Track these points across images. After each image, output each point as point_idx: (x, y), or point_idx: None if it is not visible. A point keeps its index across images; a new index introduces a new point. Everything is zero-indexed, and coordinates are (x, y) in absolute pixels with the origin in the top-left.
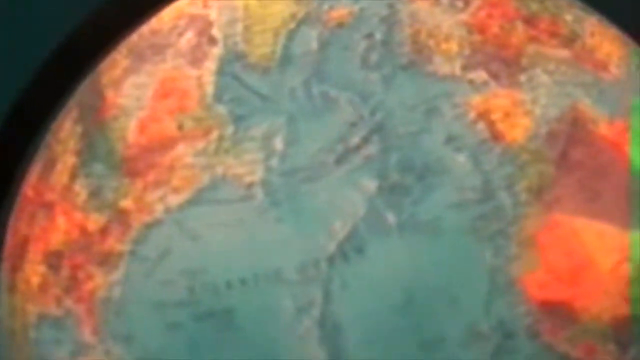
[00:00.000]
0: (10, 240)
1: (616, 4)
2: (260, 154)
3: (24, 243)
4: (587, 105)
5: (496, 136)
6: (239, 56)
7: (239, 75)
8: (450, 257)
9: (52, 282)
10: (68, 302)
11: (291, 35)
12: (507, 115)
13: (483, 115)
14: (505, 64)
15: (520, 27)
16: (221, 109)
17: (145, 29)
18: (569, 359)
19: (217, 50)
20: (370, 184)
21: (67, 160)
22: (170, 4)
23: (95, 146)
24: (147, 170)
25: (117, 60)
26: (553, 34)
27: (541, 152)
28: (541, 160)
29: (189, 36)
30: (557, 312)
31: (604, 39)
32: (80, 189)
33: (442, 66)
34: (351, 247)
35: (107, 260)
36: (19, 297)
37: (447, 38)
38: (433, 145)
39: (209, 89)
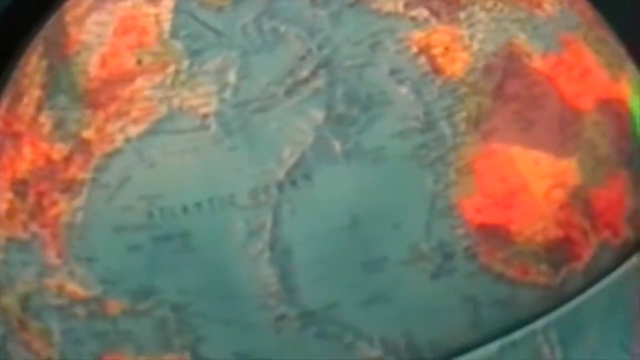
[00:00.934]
0: None
1: None
2: (214, 86)
3: None
4: (522, 40)
5: (437, 69)
6: None
7: (195, 12)
8: (393, 183)
9: (19, 208)
10: (34, 227)
11: None
12: (447, 49)
13: (424, 49)
14: (445, 2)
15: None
16: (177, 45)
17: None
18: (504, 278)
19: None
20: (318, 115)
21: (33, 93)
22: None
23: (59, 80)
24: (108, 102)
25: None
26: None
27: (479, 84)
28: (479, 92)
29: None
30: (493, 234)
31: None
32: (46, 120)
33: (385, 4)
34: (299, 174)
35: (70, 187)
36: None
37: None
38: (377, 78)
39: (166, 26)
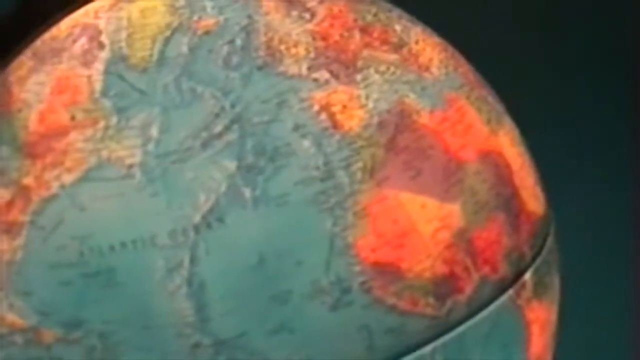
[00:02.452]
0: None
1: None
2: (138, 140)
3: None
4: (411, 99)
5: (336, 125)
6: (123, 58)
7: (122, 74)
8: (296, 225)
9: None
10: None
11: (166, 41)
12: (345, 107)
13: (325, 107)
14: (344, 66)
15: (357, 35)
16: (107, 103)
17: (46, 35)
18: (396, 309)
19: (104, 54)
20: (230, 165)
21: None
22: (67, 15)
23: (2, 133)
24: (45, 153)
25: (23, 61)
26: (384, 41)
27: (373, 138)
28: (373, 145)
29: (82, 42)
30: (386, 271)
31: (426, 45)
32: None
33: (291, 67)
34: (214, 218)
35: (11, 229)
36: None
37: (296, 44)
38: (283, 132)
39: (97, 86)
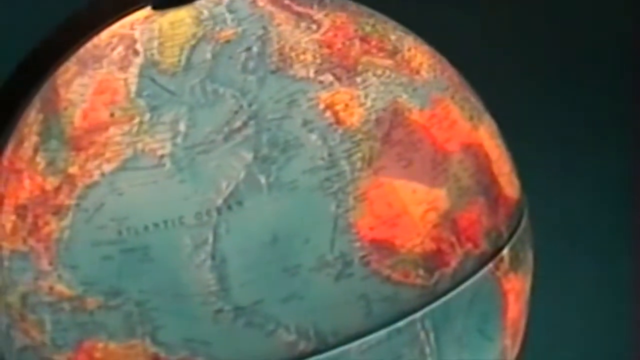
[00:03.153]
0: None
1: None
2: (168, 134)
3: (1, 199)
4: (404, 99)
5: (339, 121)
6: (155, 64)
7: (154, 77)
8: (305, 208)
9: (20, 227)
10: (31, 242)
11: (192, 49)
12: (347, 106)
13: (329, 106)
14: (346, 70)
15: (357, 43)
16: (141, 102)
17: (89, 44)
18: (390, 280)
19: (139, 60)
20: (248, 156)
21: (32, 139)
22: (107, 27)
23: (51, 129)
24: (88, 146)
25: (69, 67)
26: (381, 49)
27: (371, 132)
28: (371, 139)
29: (120, 49)
30: (382, 247)
31: (417, 52)
32: (41, 160)
33: (300, 71)
34: (234, 201)
35: (59, 211)
36: None
37: (304, 51)
38: (293, 127)
39: (133, 88)
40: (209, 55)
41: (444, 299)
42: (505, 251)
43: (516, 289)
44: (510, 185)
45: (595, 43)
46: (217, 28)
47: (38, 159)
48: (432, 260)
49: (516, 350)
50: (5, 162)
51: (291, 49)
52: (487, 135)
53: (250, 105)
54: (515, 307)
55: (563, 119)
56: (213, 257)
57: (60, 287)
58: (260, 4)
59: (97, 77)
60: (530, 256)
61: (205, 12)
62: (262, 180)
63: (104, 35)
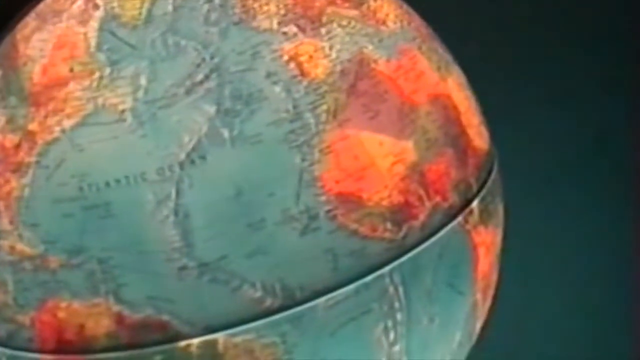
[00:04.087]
0: None
1: None
2: (129, 88)
3: None
4: (370, 50)
5: (303, 73)
6: (115, 17)
7: (114, 30)
8: (269, 161)
9: None
10: None
11: (153, 2)
12: (311, 57)
13: (293, 58)
14: (310, 21)
15: None
16: (101, 56)
17: None
18: (357, 234)
19: (99, 13)
20: (210, 109)
21: None
22: None
23: (10, 85)
24: (47, 101)
25: (28, 22)
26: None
27: (336, 84)
28: (336, 90)
29: (79, 3)
30: (349, 200)
31: (384, 3)
32: (0, 117)
33: (263, 22)
34: (196, 155)
35: (19, 168)
36: None
37: (267, 2)
38: (256, 80)
39: (93, 42)
40: (170, 8)
41: (412, 253)
42: (474, 204)
43: (486, 242)
44: (479, 137)
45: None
46: None
47: None
48: (400, 214)
49: (487, 305)
50: None
51: (254, 0)
52: (456, 87)
53: (212, 57)
54: (486, 261)
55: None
56: (176, 213)
57: (21, 246)
58: None
59: (56, 32)
60: (500, 209)
61: None
62: (225, 133)
63: None
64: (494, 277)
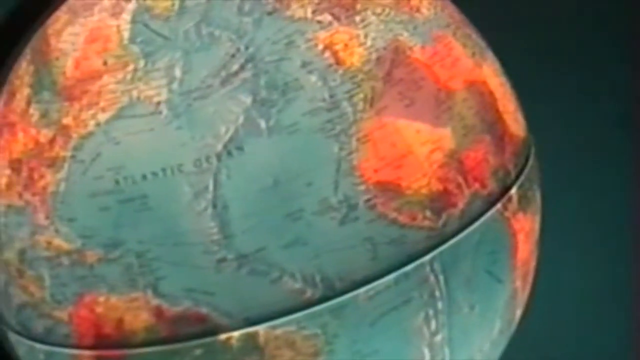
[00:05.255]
0: None
1: None
2: (164, 80)
3: None
4: (405, 37)
5: (338, 61)
6: (147, 9)
7: (147, 22)
8: (306, 151)
9: (15, 181)
10: (27, 196)
11: None
12: (346, 46)
13: (328, 46)
14: (344, 9)
15: None
16: (134, 48)
17: None
18: (397, 223)
19: (131, 6)
20: (246, 99)
21: (24, 91)
22: None
23: (43, 80)
24: (81, 95)
25: (59, 16)
26: None
27: (372, 72)
28: (372, 78)
29: None
30: (388, 189)
31: None
32: (34, 112)
33: (297, 11)
34: (233, 146)
35: (54, 163)
36: None
37: None
38: (292, 69)
39: (126, 34)
40: None
41: (452, 241)
42: (513, 190)
43: (525, 229)
44: (515, 123)
45: None
46: None
47: (31, 111)
48: (439, 202)
49: (527, 292)
50: None
51: None
52: (491, 73)
53: (247, 47)
54: (525, 248)
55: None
56: (214, 205)
57: (58, 241)
58: None
59: (88, 25)
60: (538, 195)
61: None
62: (262, 124)
63: None
64: (533, 264)
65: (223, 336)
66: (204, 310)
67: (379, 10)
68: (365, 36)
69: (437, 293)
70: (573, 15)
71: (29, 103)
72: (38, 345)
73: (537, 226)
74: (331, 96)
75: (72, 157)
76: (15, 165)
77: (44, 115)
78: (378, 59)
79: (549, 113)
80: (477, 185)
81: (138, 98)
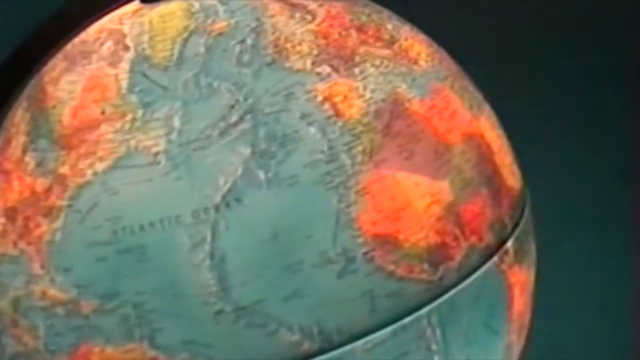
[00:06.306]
0: None
1: None
2: (162, 130)
3: None
4: (403, 89)
5: (338, 113)
6: (146, 58)
7: (146, 72)
8: (306, 203)
9: (10, 230)
10: (22, 245)
11: (184, 42)
12: (345, 97)
13: (328, 98)
14: (344, 61)
15: (353, 33)
16: (133, 98)
17: (76, 40)
18: (395, 276)
19: (129, 55)
20: (245, 150)
21: (20, 139)
22: (95, 22)
23: (39, 128)
24: (79, 144)
25: (56, 63)
26: (378, 38)
27: (371, 124)
28: (371, 131)
29: (109, 44)
30: (386, 241)
31: (414, 42)
32: (30, 160)
33: (296, 63)
34: (232, 198)
35: (50, 212)
36: None
37: (300, 42)
38: (291, 121)
39: (124, 83)
40: (202, 49)
41: (449, 294)
42: (509, 243)
43: (521, 281)
44: (512, 175)
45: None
46: (209, 20)
47: (27, 159)
48: (437, 254)
49: (521, 346)
50: None
51: (286, 40)
52: (488, 126)
53: (246, 98)
54: (521, 301)
55: (564, 111)
56: (212, 256)
57: (53, 291)
58: None
59: (86, 74)
60: (533, 248)
61: (196, 5)
62: (261, 175)
63: (92, 30)
64: (528, 317)
65: None
66: None
67: (377, 62)
68: (364, 88)
69: (434, 346)
70: (573, 65)
71: (24, 151)
72: None
73: (532, 279)
74: (330, 148)
75: (69, 206)
76: (10, 214)
77: (40, 163)
78: (377, 111)
79: (548, 163)
80: (474, 238)
81: (136, 148)
